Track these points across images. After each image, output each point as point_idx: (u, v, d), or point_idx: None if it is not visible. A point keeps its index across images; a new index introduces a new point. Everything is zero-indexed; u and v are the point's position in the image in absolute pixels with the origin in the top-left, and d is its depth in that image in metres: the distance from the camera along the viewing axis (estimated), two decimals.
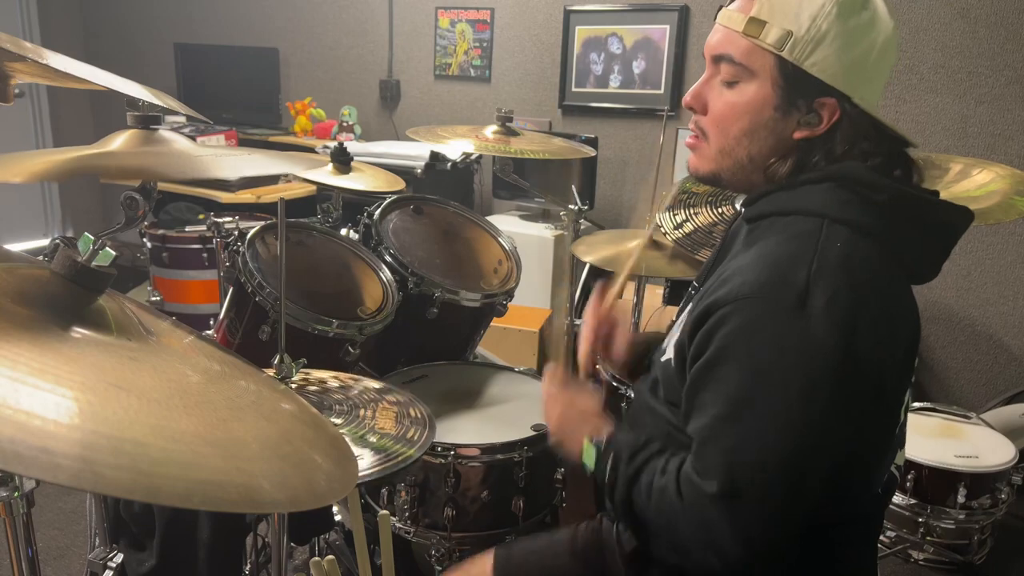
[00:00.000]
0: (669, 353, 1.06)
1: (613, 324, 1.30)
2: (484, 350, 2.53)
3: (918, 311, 0.99)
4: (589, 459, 1.04)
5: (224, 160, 1.11)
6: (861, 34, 0.90)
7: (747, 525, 0.85)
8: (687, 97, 1.02)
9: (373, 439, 1.21)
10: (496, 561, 1.24)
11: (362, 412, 1.30)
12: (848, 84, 0.90)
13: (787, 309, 0.85)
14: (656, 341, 1.21)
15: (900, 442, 1.04)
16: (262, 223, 1.81)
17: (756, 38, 0.92)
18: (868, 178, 0.91)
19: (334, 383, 1.40)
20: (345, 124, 4.10)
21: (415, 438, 1.24)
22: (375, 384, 1.43)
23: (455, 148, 3.42)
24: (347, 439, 1.20)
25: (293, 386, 1.30)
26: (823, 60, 0.89)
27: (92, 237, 0.73)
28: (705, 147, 1.02)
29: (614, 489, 0.99)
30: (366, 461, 1.15)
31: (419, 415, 1.33)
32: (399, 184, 2.16)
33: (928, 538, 2.31)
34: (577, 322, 2.30)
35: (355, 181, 2.05)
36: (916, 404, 2.56)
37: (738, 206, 1.98)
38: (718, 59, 0.97)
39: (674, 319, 1.16)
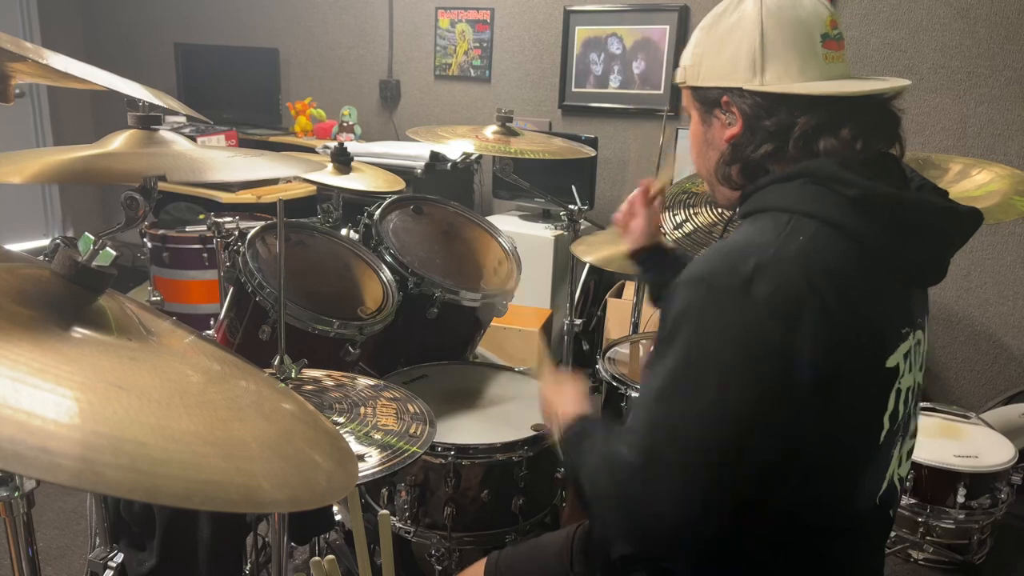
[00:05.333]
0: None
1: (650, 209, 1.50)
2: (484, 350, 2.54)
3: (914, 313, 0.98)
4: (556, 436, 1.11)
5: (224, 163, 1.11)
6: (728, 35, 1.02)
7: (659, 500, 0.86)
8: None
9: (378, 436, 1.22)
10: (487, 567, 1.27)
11: (363, 410, 1.30)
12: (733, 78, 1.01)
13: (730, 292, 0.87)
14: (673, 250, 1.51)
15: (889, 455, 1.00)
16: (262, 223, 1.81)
17: (680, 84, 1.11)
18: (837, 172, 0.93)
19: (329, 382, 1.40)
20: (345, 124, 4.10)
21: (418, 433, 1.25)
22: (370, 381, 1.43)
23: (455, 148, 3.42)
24: (352, 438, 1.20)
25: (290, 386, 1.30)
26: (706, 71, 1.05)
27: (92, 237, 0.73)
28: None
29: (574, 475, 1.02)
30: (375, 459, 1.15)
31: (418, 411, 1.33)
32: (399, 184, 2.16)
33: (928, 538, 2.31)
34: (577, 322, 2.30)
35: (355, 181, 2.06)
36: None
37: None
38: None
39: None
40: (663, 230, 1.55)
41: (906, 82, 1.00)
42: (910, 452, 1.07)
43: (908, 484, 2.28)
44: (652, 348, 1.03)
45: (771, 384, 0.86)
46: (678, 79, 1.10)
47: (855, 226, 0.91)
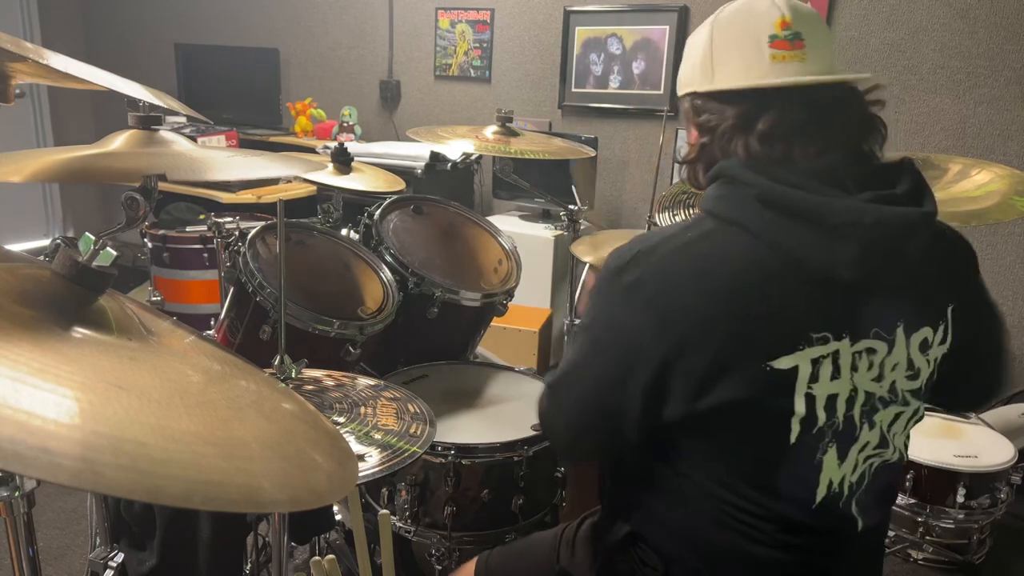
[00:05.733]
0: None
1: None
2: (484, 350, 2.53)
3: (834, 318, 0.94)
4: None
5: (224, 163, 1.12)
6: (690, 48, 1.10)
7: (559, 409, 1.09)
8: None
9: (378, 436, 1.22)
10: (477, 567, 1.28)
11: (363, 410, 1.30)
12: (693, 84, 1.07)
13: (608, 276, 0.99)
14: None
15: (814, 459, 0.98)
16: (263, 223, 1.81)
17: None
18: (739, 171, 0.96)
19: (329, 382, 1.40)
20: (345, 124, 4.10)
21: (418, 433, 1.25)
22: (370, 381, 1.43)
23: (455, 148, 3.42)
24: (352, 438, 1.20)
25: (290, 386, 1.30)
26: (681, 81, 1.11)
27: (93, 237, 0.73)
28: None
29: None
30: (375, 459, 1.15)
31: (418, 411, 1.33)
32: (399, 184, 2.16)
33: (927, 538, 2.31)
34: (577, 322, 2.30)
35: (355, 181, 2.06)
36: None
37: None
38: None
39: None
40: None
41: (857, 76, 1.01)
42: (871, 458, 1.02)
43: (908, 484, 2.28)
44: None
45: (631, 364, 0.96)
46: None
47: (757, 225, 0.93)
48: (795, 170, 0.94)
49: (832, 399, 0.96)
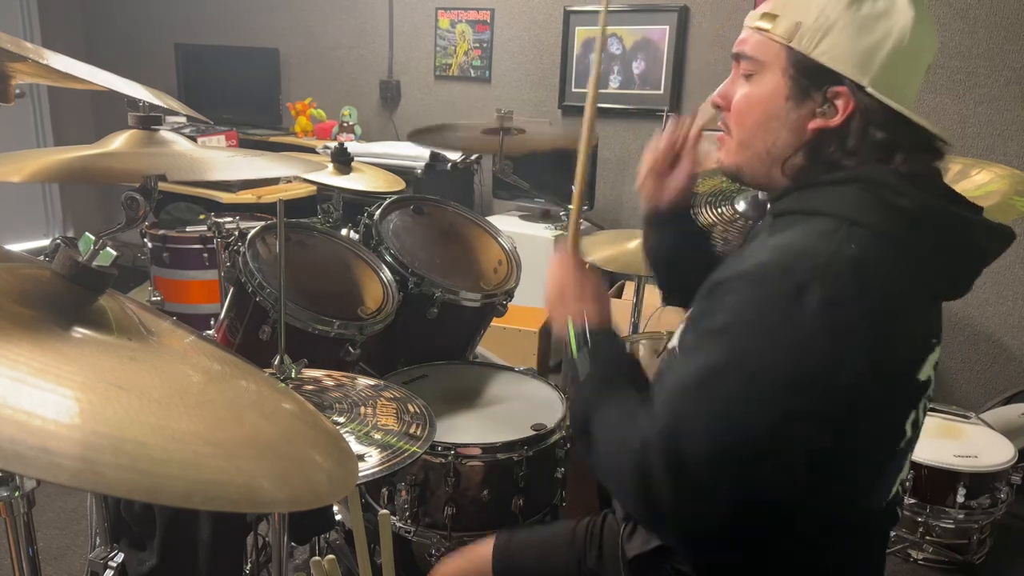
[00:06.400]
0: (674, 342, 1.06)
1: (682, 156, 1.27)
2: (484, 350, 2.53)
3: (938, 325, 0.96)
4: (572, 334, 1.03)
5: (224, 163, 1.11)
6: (873, 22, 0.90)
7: (680, 473, 0.84)
8: (714, 96, 1.04)
9: (378, 436, 1.22)
10: (496, 548, 1.25)
11: (363, 410, 1.30)
12: (860, 72, 0.90)
13: (782, 296, 0.84)
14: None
15: (904, 460, 1.01)
16: (263, 223, 1.81)
17: (768, 31, 0.94)
18: (894, 183, 0.89)
19: (329, 382, 1.41)
20: (345, 124, 4.10)
21: (418, 433, 1.25)
22: (370, 381, 1.43)
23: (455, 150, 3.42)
24: (352, 438, 1.20)
25: (290, 386, 1.30)
26: (832, 48, 0.90)
27: (93, 237, 0.73)
28: (729, 141, 1.03)
29: (579, 389, 0.98)
30: (375, 459, 1.15)
31: (418, 410, 1.33)
32: (399, 184, 2.16)
33: (927, 538, 2.31)
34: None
35: (355, 181, 2.06)
36: None
37: (740, 207, 1.98)
38: (737, 56, 1.00)
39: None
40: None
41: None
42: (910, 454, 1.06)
43: (908, 484, 2.28)
44: (682, 330, 1.01)
45: (811, 394, 0.84)
46: (781, 31, 0.93)
47: (906, 239, 0.89)
48: (925, 182, 0.93)
49: (926, 399, 0.98)
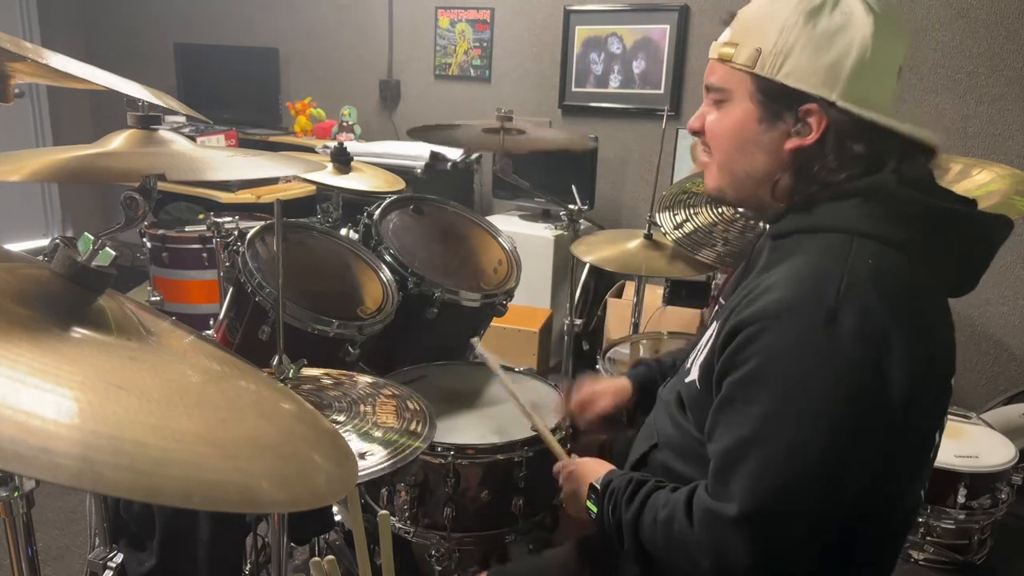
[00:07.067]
0: (694, 374, 1.04)
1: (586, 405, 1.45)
2: (484, 350, 2.53)
3: (953, 326, 0.96)
4: (592, 507, 1.08)
5: (224, 163, 1.11)
6: (831, 37, 0.90)
7: (767, 549, 0.85)
8: (691, 121, 1.06)
9: (379, 434, 1.22)
10: None
11: (362, 408, 1.30)
12: (827, 87, 0.90)
13: (816, 328, 0.84)
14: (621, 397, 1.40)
15: (931, 465, 1.02)
16: (262, 223, 1.80)
17: (730, 61, 0.96)
18: (898, 192, 0.89)
19: (327, 380, 1.40)
20: (345, 124, 4.10)
21: (419, 430, 1.25)
22: (368, 379, 1.43)
23: (456, 148, 3.42)
24: (354, 436, 1.20)
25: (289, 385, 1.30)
26: (796, 69, 0.91)
27: (92, 237, 0.73)
28: (711, 164, 1.04)
29: (620, 531, 1.01)
30: (377, 456, 1.15)
31: (418, 407, 1.33)
32: (399, 184, 2.16)
33: (928, 538, 2.31)
34: (577, 322, 2.30)
35: (355, 181, 2.06)
36: None
37: (740, 207, 1.97)
38: (707, 88, 1.02)
39: (697, 338, 1.16)
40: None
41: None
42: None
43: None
44: (703, 361, 1.01)
45: (869, 415, 0.84)
46: (743, 59, 0.95)
47: (917, 244, 0.89)
48: (930, 186, 0.94)
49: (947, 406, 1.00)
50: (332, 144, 2.18)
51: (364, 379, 1.43)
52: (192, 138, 2.76)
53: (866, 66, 0.90)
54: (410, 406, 1.34)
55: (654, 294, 2.77)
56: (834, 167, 0.92)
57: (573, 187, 2.32)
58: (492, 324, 2.10)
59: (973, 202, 0.96)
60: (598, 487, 1.07)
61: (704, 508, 0.89)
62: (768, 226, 1.05)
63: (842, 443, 0.84)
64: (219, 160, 1.14)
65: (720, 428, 0.91)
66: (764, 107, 0.95)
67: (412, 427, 1.25)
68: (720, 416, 0.92)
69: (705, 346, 1.04)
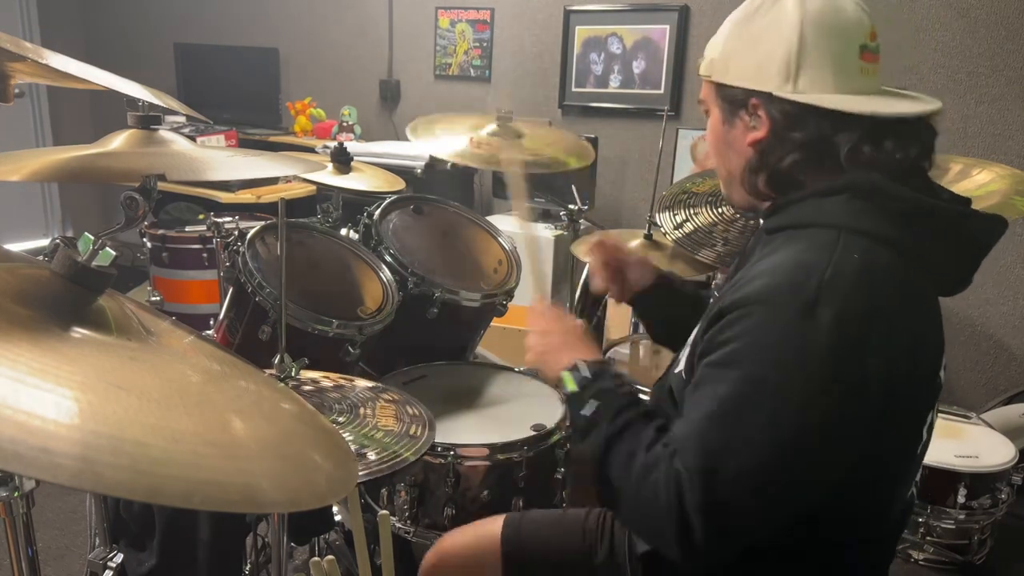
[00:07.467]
0: (682, 365, 1.06)
1: (619, 258, 1.40)
2: (484, 350, 2.53)
3: (942, 324, 0.97)
4: (570, 384, 1.04)
5: (224, 163, 1.11)
6: (760, 35, 0.98)
7: (716, 529, 0.84)
8: (704, 134, 1.14)
9: (379, 436, 1.22)
10: (506, 526, 1.26)
11: (362, 411, 1.30)
12: (763, 82, 0.97)
13: (793, 317, 0.85)
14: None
15: (920, 463, 1.03)
16: (262, 223, 1.80)
17: (703, 75, 1.07)
18: (887, 188, 0.90)
19: (327, 383, 1.40)
20: (345, 124, 4.10)
21: (418, 434, 1.25)
22: (368, 383, 1.43)
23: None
24: (353, 438, 1.20)
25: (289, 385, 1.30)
26: (736, 69, 1.00)
27: (92, 237, 0.73)
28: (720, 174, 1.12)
29: (587, 435, 0.98)
30: (375, 458, 1.15)
31: (417, 412, 1.33)
32: (399, 184, 2.16)
33: (928, 538, 2.31)
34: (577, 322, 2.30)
35: (355, 181, 2.06)
36: None
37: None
38: (699, 102, 1.12)
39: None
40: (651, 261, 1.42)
41: (939, 104, 0.97)
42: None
43: (917, 486, 2.28)
44: (688, 354, 1.02)
45: (839, 410, 0.85)
46: (703, 71, 1.06)
47: (906, 241, 0.90)
48: (912, 181, 0.94)
49: (934, 404, 1.01)
50: (332, 144, 2.19)
51: (365, 383, 1.43)
52: (192, 138, 2.77)
53: (806, 54, 0.95)
54: (409, 410, 1.34)
55: None
56: (786, 155, 0.96)
57: (573, 187, 2.32)
58: (492, 324, 2.10)
59: (967, 201, 0.96)
60: (588, 375, 1.02)
61: (673, 476, 0.87)
62: (762, 222, 1.07)
63: (806, 435, 0.84)
64: (219, 160, 1.14)
65: (691, 403, 0.91)
66: (724, 109, 1.03)
67: (411, 431, 1.25)
68: (692, 395, 0.92)
69: (691, 339, 1.06)
